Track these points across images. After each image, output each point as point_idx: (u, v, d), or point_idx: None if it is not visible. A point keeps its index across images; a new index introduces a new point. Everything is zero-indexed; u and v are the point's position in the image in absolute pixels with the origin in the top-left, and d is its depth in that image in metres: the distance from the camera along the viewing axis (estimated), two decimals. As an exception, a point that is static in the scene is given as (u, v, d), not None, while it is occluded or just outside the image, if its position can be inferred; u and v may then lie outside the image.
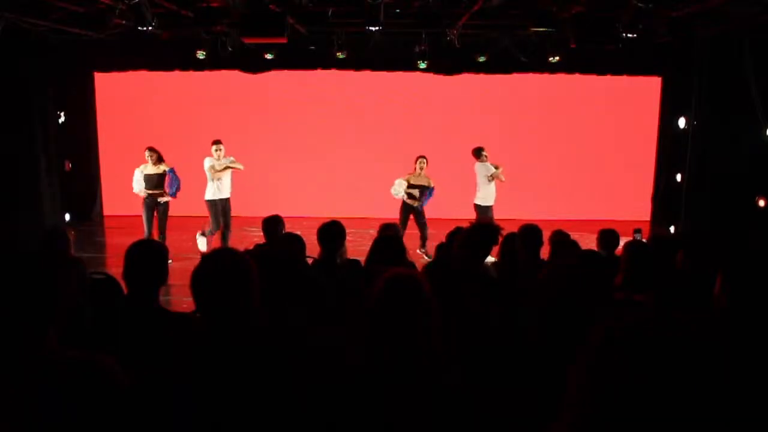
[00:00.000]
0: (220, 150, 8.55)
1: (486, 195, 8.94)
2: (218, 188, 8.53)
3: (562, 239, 4.58)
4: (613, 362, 0.98)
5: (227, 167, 8.57)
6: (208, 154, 8.56)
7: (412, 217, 8.85)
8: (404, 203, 8.84)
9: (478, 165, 8.97)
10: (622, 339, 1.00)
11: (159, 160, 8.55)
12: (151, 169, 8.50)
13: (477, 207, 8.96)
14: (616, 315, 1.05)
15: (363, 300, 1.99)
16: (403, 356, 1.88)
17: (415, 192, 8.77)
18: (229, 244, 8.22)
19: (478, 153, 9.00)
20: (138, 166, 8.56)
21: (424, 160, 8.90)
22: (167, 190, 8.55)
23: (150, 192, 8.47)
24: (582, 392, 1.01)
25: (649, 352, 0.97)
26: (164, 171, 8.54)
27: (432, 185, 8.89)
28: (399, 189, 8.77)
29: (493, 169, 8.86)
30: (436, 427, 1.85)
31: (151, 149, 8.53)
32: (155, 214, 8.55)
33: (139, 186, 8.49)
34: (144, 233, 8.43)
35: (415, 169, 8.89)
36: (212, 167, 8.48)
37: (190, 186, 9.11)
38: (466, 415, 1.91)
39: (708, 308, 2.54)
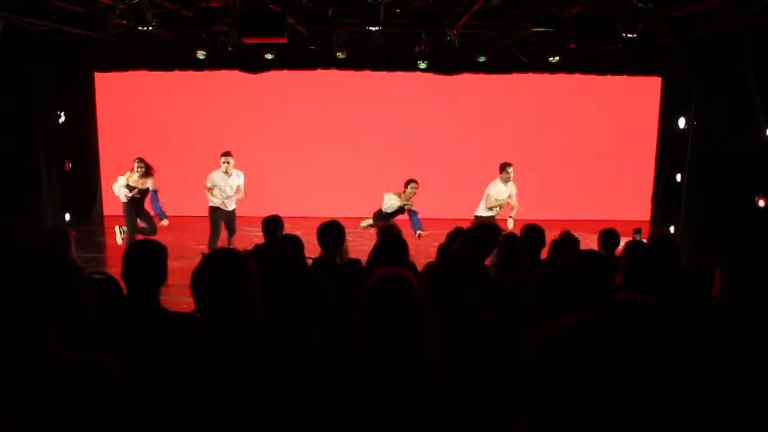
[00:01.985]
0: (229, 163, 8.23)
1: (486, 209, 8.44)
2: (222, 200, 8.32)
3: (561, 240, 4.57)
4: (551, 366, 0.99)
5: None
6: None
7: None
8: (382, 214, 8.35)
9: (494, 182, 8.43)
10: (558, 343, 1.00)
11: (146, 174, 8.30)
12: (135, 181, 8.27)
13: (477, 218, 8.29)
14: (555, 319, 1.05)
15: (356, 300, 2.00)
16: (400, 356, 1.88)
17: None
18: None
19: (501, 168, 8.42)
20: (123, 174, 8.36)
21: (416, 186, 8.23)
22: (151, 211, 8.41)
23: (134, 196, 8.30)
24: (532, 393, 1.02)
25: (584, 355, 0.97)
26: (148, 189, 8.32)
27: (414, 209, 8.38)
28: (392, 203, 8.28)
29: (495, 199, 8.31)
30: (434, 427, 1.86)
31: (141, 160, 8.29)
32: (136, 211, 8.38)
33: (120, 191, 8.27)
34: (129, 233, 8.32)
35: (405, 191, 8.25)
36: (209, 189, 8.27)
37: (189, 186, 9.11)
38: (465, 414, 1.91)
39: (709, 308, 2.54)
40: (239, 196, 8.46)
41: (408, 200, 8.29)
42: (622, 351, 0.97)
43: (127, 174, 8.37)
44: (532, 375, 1.02)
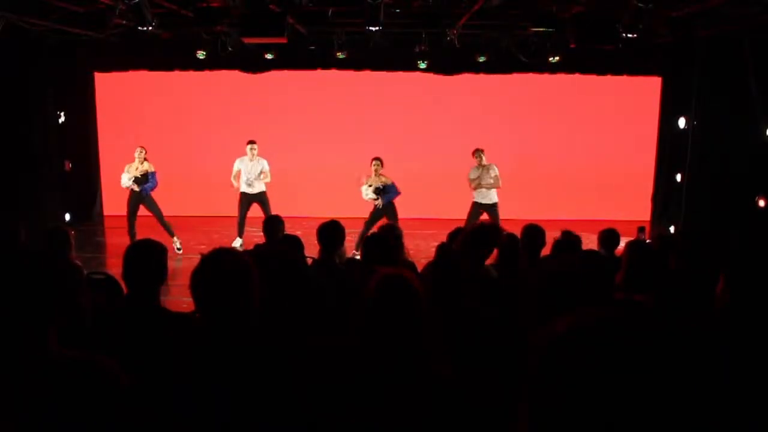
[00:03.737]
0: (254, 150, 9.06)
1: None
2: (247, 183, 9.05)
3: (562, 240, 4.57)
4: (554, 366, 0.99)
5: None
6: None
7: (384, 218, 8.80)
8: (375, 207, 8.82)
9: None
10: (563, 343, 1.00)
11: (145, 159, 8.80)
12: (137, 169, 8.71)
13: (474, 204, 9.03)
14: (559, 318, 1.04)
15: (357, 301, 1.99)
16: (401, 356, 1.88)
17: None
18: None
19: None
20: (124, 168, 8.81)
21: (378, 163, 8.81)
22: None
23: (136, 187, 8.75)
24: (532, 394, 1.02)
25: (589, 355, 0.97)
26: (147, 171, 8.73)
27: (390, 182, 8.77)
28: (365, 192, 8.77)
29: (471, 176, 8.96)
30: (435, 427, 1.85)
31: (143, 148, 8.81)
32: (139, 207, 8.77)
33: (128, 181, 8.69)
34: (128, 228, 8.62)
35: (371, 172, 8.80)
36: (234, 177, 9.12)
37: (189, 186, 9.09)
38: (465, 414, 1.91)
39: (708, 308, 2.54)
40: (266, 179, 9.11)
41: (375, 176, 8.73)
42: (622, 351, 0.97)
43: (127, 166, 8.73)
44: (532, 375, 1.02)
